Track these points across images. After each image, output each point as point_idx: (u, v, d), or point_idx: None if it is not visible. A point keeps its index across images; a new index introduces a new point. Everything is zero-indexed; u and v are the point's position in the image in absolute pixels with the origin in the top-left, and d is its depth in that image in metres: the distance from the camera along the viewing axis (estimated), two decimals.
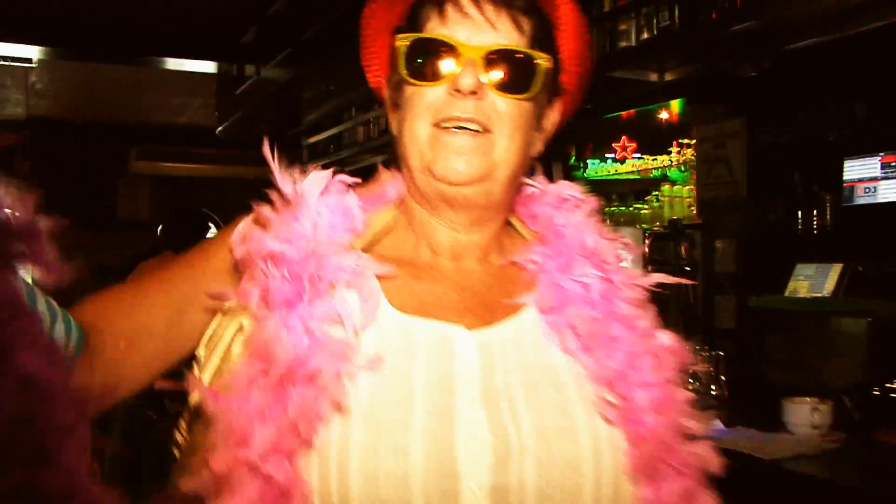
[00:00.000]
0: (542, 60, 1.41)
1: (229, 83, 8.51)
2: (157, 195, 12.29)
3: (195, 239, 6.25)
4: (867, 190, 5.46)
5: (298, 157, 8.52)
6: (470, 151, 1.36)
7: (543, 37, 1.44)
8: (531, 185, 1.59)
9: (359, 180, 1.47)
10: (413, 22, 1.45)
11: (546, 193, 1.59)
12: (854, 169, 5.53)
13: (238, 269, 1.37)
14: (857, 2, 3.45)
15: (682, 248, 5.67)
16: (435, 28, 1.40)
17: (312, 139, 8.15)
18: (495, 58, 1.38)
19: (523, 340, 1.39)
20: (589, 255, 1.47)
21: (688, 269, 5.61)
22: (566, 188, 1.58)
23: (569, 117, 1.62)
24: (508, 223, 1.56)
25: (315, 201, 1.35)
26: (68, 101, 10.87)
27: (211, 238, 1.60)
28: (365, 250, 1.39)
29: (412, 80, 1.40)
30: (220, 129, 9.18)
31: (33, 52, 8.11)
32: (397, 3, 1.50)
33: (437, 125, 1.37)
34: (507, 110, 1.39)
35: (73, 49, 8.11)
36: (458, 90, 1.35)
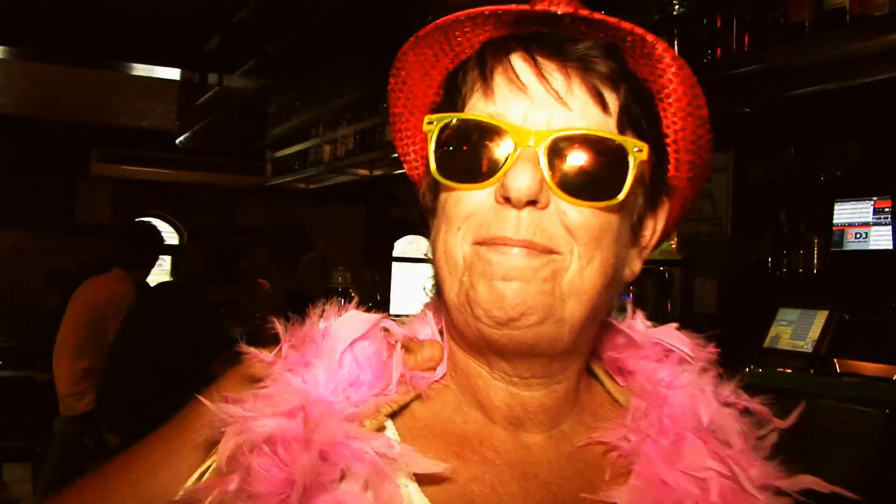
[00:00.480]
0: (637, 150, 0.98)
1: (192, 91, 8.16)
2: (119, 198, 11.91)
3: (148, 255, 5.99)
4: (858, 235, 5.22)
5: (262, 172, 8.22)
6: (525, 276, 0.95)
7: (640, 114, 1.02)
8: (622, 328, 1.18)
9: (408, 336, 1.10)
10: (451, 96, 1.07)
11: (643, 341, 1.17)
12: (845, 212, 5.30)
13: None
14: (860, 54, 3.18)
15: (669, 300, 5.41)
16: (477, 105, 1.01)
17: (277, 154, 7.82)
18: (565, 146, 0.96)
19: None
20: (706, 436, 1.07)
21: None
22: (671, 335, 1.16)
23: (679, 225, 1.20)
24: (589, 371, 1.16)
25: (341, 348, 1.00)
26: (27, 99, 10.48)
27: (198, 404, 1.21)
28: (394, 416, 1.03)
29: (444, 181, 1.01)
30: (180, 138, 8.82)
31: None
32: (432, 70, 1.10)
33: (480, 243, 0.98)
34: (582, 223, 0.97)
35: (33, 49, 7.74)
36: (507, 198, 0.95)
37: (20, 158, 11.09)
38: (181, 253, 11.94)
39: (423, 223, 1.14)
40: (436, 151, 1.01)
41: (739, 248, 5.94)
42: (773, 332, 4.94)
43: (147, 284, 6.10)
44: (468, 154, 0.99)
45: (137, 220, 7.69)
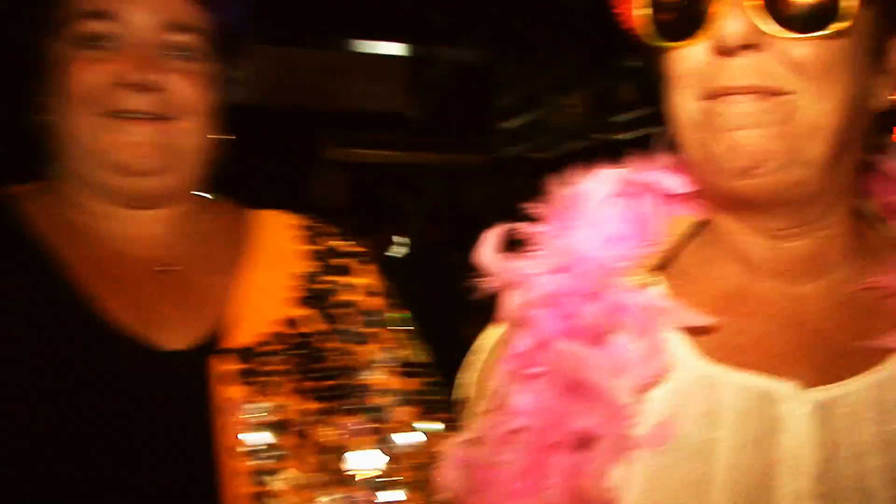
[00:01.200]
0: None
1: (419, 66, 8.21)
2: (352, 181, 12.25)
3: (389, 228, 6.14)
4: None
5: (491, 149, 8.23)
6: (757, 122, 0.95)
7: None
8: (890, 167, 1.11)
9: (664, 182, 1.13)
10: None
11: None
12: None
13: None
14: None
15: None
16: None
17: (506, 124, 7.76)
18: None
19: (887, 405, 0.98)
20: None
21: None
22: None
23: None
24: (862, 214, 1.11)
25: (597, 205, 1.10)
26: (261, 86, 10.93)
27: None
28: (659, 269, 1.10)
29: (656, 41, 1.02)
30: (410, 113, 8.95)
31: None
32: None
33: (707, 98, 0.99)
34: (807, 58, 0.95)
35: (264, 33, 7.99)
36: (722, 47, 0.95)
37: (256, 145, 11.60)
38: (416, 231, 12.15)
39: None
40: (643, 13, 1.02)
41: None
42: None
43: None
44: (674, 10, 1.00)
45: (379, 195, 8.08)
